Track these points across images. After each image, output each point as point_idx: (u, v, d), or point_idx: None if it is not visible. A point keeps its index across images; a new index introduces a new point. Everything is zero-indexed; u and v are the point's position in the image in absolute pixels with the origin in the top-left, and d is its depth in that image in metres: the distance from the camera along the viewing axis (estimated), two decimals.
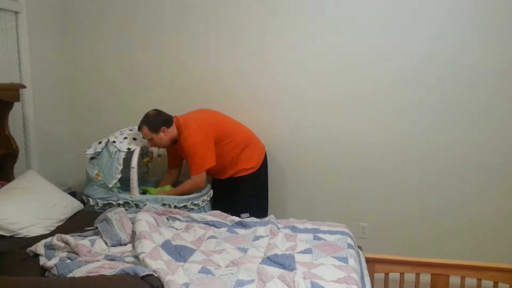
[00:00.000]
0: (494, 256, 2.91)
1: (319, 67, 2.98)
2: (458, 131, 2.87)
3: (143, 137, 2.76)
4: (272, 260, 1.94)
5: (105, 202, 2.73)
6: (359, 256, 2.18)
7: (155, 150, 2.97)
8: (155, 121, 2.71)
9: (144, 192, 2.83)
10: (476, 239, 2.94)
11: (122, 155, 2.70)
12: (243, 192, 2.93)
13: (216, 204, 3.01)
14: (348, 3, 2.87)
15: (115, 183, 2.69)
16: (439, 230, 2.98)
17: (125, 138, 2.78)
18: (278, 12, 2.97)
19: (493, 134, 2.82)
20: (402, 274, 2.17)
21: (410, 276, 2.22)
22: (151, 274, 1.70)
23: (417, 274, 2.16)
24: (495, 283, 2.08)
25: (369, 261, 2.18)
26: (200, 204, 2.78)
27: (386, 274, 2.20)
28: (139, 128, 2.74)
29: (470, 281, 2.19)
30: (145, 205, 2.62)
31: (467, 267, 2.08)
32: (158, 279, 1.69)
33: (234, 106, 3.04)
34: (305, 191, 3.16)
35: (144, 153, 2.93)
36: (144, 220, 2.15)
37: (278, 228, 2.33)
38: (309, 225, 2.40)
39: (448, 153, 2.90)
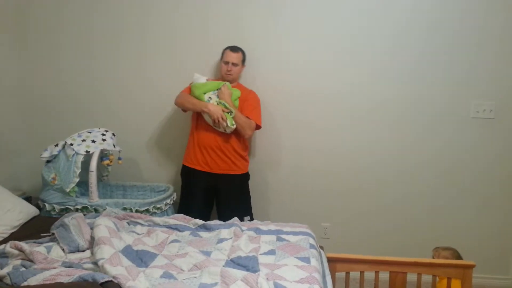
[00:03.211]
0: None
1: (289, 68, 3.00)
2: (415, 133, 2.98)
3: (227, 60, 2.78)
4: (236, 263, 1.94)
5: (62, 207, 2.63)
6: (321, 256, 2.22)
7: (115, 152, 2.90)
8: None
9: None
10: (431, 235, 3.06)
11: (80, 158, 2.62)
12: (247, 190, 2.93)
13: (224, 207, 2.87)
14: (310, 6, 2.92)
15: (73, 187, 2.61)
16: (397, 228, 3.10)
17: (84, 140, 2.69)
18: (248, 16, 2.98)
19: (450, 136, 2.96)
20: (362, 272, 2.23)
21: (370, 274, 2.28)
22: (111, 281, 1.66)
23: (377, 272, 2.22)
24: (449, 279, 2.17)
25: (330, 260, 2.22)
26: (163, 207, 2.74)
27: (347, 273, 2.25)
28: (236, 50, 2.80)
29: (426, 277, 2.28)
30: (104, 209, 2.55)
31: (423, 264, 2.17)
32: (118, 285, 1.65)
33: None
34: (269, 193, 3.18)
35: (103, 155, 2.85)
36: (104, 225, 2.09)
37: (242, 230, 2.33)
38: (272, 227, 2.41)
39: (406, 154, 3.01)
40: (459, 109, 2.92)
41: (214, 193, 2.87)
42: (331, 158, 3.08)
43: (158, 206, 2.70)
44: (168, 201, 2.79)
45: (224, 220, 2.52)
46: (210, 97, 2.72)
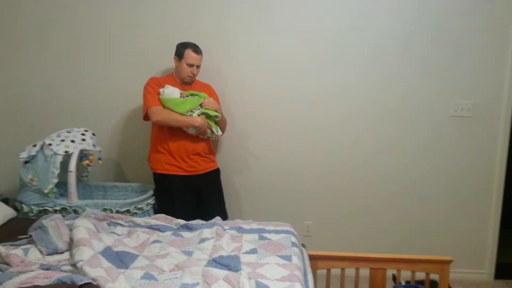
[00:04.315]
0: (423, 247, 3.11)
1: (270, 68, 3.01)
2: (395, 133, 3.02)
3: (192, 62, 2.67)
4: (218, 262, 1.94)
5: (41, 208, 2.58)
6: (302, 253, 2.23)
7: (95, 153, 2.85)
8: None
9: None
10: (410, 232, 3.12)
11: (59, 158, 2.57)
12: (221, 184, 2.96)
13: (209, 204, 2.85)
14: (294, 6, 2.93)
15: (52, 188, 2.56)
16: (378, 226, 3.14)
17: (62, 140, 2.64)
18: (230, 19, 2.97)
19: (430, 134, 3.01)
20: (343, 269, 2.25)
21: (350, 271, 2.31)
22: (90, 283, 1.64)
23: (357, 269, 2.25)
24: (427, 274, 2.22)
25: (312, 258, 2.24)
26: (144, 208, 2.71)
27: (328, 270, 2.27)
28: (198, 51, 2.70)
29: (405, 273, 2.32)
30: (84, 210, 2.51)
31: (402, 260, 2.21)
32: (97, 287, 1.63)
33: None
34: (252, 192, 3.18)
35: (83, 155, 2.80)
36: (83, 226, 2.07)
37: (224, 230, 2.33)
38: (254, 226, 2.42)
39: (387, 153, 3.05)
40: (439, 108, 2.97)
41: (196, 193, 2.84)
42: (315, 158, 3.10)
43: (139, 206, 2.67)
44: (150, 201, 2.76)
45: (208, 216, 2.52)
46: (192, 111, 2.68)
